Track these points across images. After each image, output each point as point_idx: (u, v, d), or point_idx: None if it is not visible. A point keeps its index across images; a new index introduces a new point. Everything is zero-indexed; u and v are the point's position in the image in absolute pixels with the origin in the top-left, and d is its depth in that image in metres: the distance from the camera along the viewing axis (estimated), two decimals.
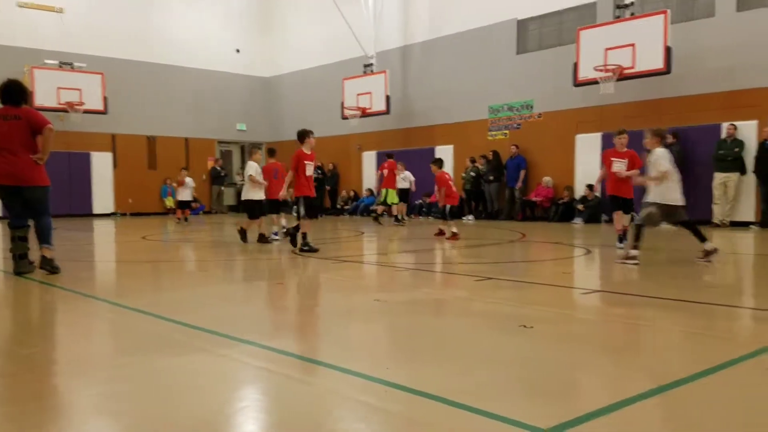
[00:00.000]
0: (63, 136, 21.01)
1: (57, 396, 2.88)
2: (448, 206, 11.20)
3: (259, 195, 10.49)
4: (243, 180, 24.65)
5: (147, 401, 2.81)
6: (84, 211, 21.24)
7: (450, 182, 11.49)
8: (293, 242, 9.35)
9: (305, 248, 8.86)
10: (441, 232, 11.49)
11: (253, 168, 10.56)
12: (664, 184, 7.42)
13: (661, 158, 7.47)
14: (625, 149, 9.18)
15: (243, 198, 10.84)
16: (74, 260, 8.72)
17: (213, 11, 24.26)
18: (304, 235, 8.97)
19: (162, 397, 2.87)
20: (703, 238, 7.50)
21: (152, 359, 3.48)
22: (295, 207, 18.22)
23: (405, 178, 16.36)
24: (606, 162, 9.32)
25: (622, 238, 8.99)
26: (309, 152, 9.10)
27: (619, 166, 9.03)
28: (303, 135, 9.23)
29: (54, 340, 4.12)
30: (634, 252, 7.43)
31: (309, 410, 2.65)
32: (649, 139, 7.75)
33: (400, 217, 15.87)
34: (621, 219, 9.14)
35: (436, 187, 11.74)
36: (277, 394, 2.93)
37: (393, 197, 15.91)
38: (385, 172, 15.95)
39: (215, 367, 3.33)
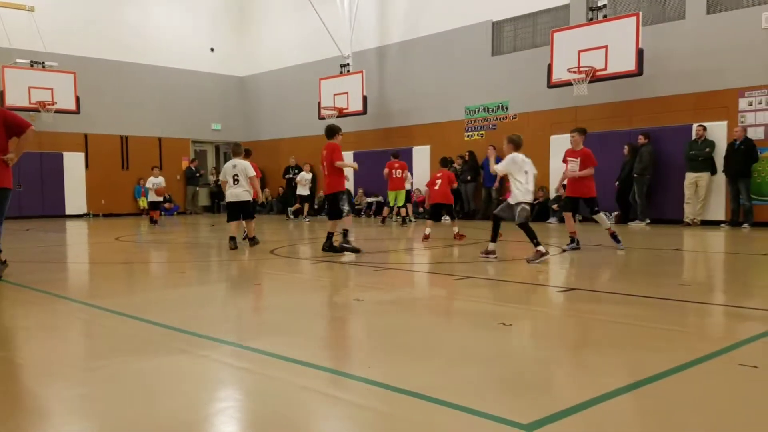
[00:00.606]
0: (35, 136, 20.65)
1: (33, 400, 2.84)
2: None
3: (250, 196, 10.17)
4: (218, 180, 24.66)
5: (125, 403, 2.78)
6: (56, 212, 20.92)
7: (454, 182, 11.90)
8: (331, 246, 8.77)
9: (346, 246, 8.73)
10: (460, 235, 11.31)
11: (250, 169, 10.11)
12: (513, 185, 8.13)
13: (503, 162, 8.12)
14: (580, 148, 9.51)
15: (240, 200, 9.79)
16: (47, 261, 8.59)
17: (187, 10, 24.05)
18: (346, 232, 8.86)
19: (141, 399, 2.84)
20: (494, 237, 8.38)
21: (130, 361, 3.45)
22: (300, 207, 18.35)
23: (407, 179, 16.64)
24: (564, 162, 9.68)
25: (573, 239, 9.41)
26: None
27: (573, 166, 9.42)
28: (335, 131, 9.41)
29: (28, 342, 4.06)
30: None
31: (289, 410, 2.65)
32: (505, 146, 8.26)
33: (408, 219, 16.30)
34: (570, 220, 9.72)
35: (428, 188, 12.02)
36: (256, 394, 2.92)
37: (403, 199, 15.99)
38: (396, 172, 15.76)
39: (194, 368, 3.31)
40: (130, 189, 22.83)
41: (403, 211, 16.13)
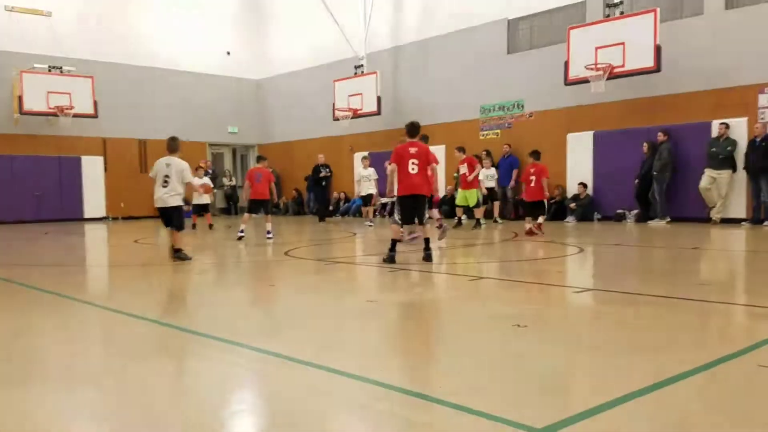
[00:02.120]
0: (53, 141, 20.93)
1: (49, 403, 2.85)
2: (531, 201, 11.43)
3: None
4: (231, 181, 24.73)
5: (141, 405, 2.79)
6: (75, 216, 21.12)
7: (547, 176, 11.46)
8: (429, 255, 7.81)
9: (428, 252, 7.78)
10: (531, 232, 11.21)
11: (188, 171, 9.86)
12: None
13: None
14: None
15: (166, 205, 8.55)
16: (65, 265, 8.66)
17: (203, 14, 24.18)
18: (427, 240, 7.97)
19: (156, 401, 2.85)
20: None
21: (144, 363, 3.46)
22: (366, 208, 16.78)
23: (492, 177, 15.68)
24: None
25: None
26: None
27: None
28: (418, 129, 8.27)
29: (44, 344, 4.09)
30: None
31: (303, 412, 2.64)
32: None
33: (496, 218, 15.46)
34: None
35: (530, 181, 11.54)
36: (270, 396, 2.91)
37: (474, 199, 13.75)
38: (462, 167, 13.66)
39: (208, 370, 3.31)
40: (148, 192, 22.91)
41: (478, 213, 13.78)
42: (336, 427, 2.54)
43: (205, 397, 2.88)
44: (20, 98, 19.49)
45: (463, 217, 14.70)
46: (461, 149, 13.70)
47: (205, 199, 14.70)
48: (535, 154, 11.67)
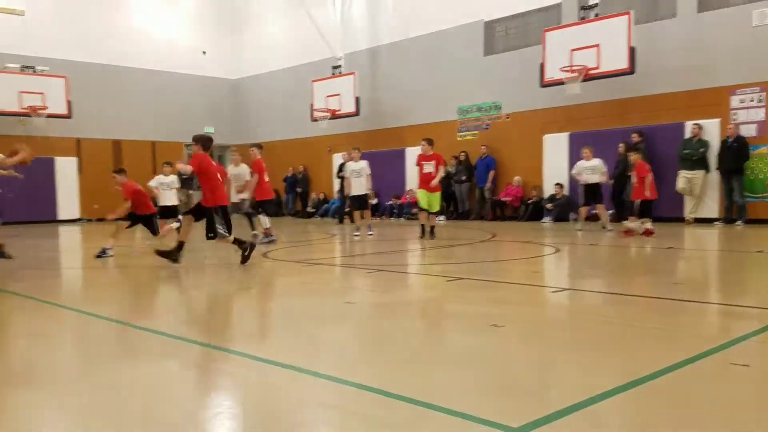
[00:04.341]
0: (26, 141, 20.55)
1: (27, 408, 2.80)
2: (638, 201, 10.86)
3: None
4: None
5: (119, 410, 2.75)
6: (48, 217, 20.78)
7: (648, 174, 10.84)
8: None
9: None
10: (629, 231, 10.87)
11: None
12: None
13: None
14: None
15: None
16: (37, 268, 8.53)
17: (178, 13, 23.96)
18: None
19: (133, 405, 2.81)
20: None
21: (122, 367, 3.42)
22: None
23: (595, 169, 12.75)
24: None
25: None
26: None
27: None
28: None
29: (19, 350, 4.02)
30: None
31: (280, 415, 2.62)
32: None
33: (604, 225, 12.59)
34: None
35: (634, 179, 11.03)
36: (247, 399, 2.89)
37: (438, 202, 11.67)
38: (431, 167, 11.33)
39: (184, 373, 3.28)
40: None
41: (435, 220, 11.69)
42: (310, 429, 2.53)
43: (183, 400, 2.85)
44: None
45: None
46: (430, 141, 11.37)
47: (171, 200, 12.80)
48: (636, 148, 11.15)
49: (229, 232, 7.73)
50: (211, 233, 7.58)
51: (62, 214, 21.14)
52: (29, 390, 3.04)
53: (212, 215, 7.60)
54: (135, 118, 22.75)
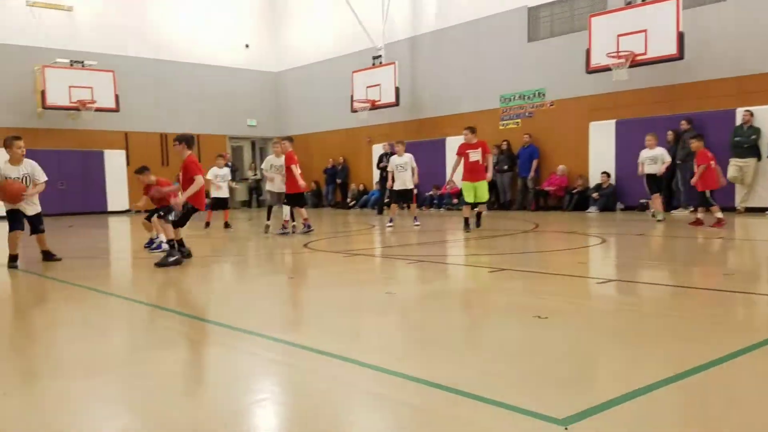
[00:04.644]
0: (76, 135, 21.17)
1: (76, 394, 2.88)
2: (708, 191, 10.36)
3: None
4: (255, 175, 24.78)
5: (165, 396, 2.82)
6: (99, 209, 21.37)
7: (712, 162, 10.41)
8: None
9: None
10: (698, 222, 10.39)
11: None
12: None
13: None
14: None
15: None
16: (89, 257, 8.77)
17: (222, 7, 24.25)
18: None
19: (180, 391, 2.87)
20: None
21: (168, 354, 3.50)
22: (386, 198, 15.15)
23: (656, 159, 11.81)
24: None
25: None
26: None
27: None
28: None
29: (69, 337, 4.14)
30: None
31: (325, 402, 2.64)
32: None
33: (654, 213, 12.16)
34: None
35: (695, 167, 10.61)
36: (293, 386, 2.92)
37: (486, 191, 11.00)
38: (477, 155, 10.70)
39: (230, 360, 3.33)
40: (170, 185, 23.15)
41: (484, 209, 11.36)
42: (356, 418, 2.54)
43: (229, 386, 2.89)
44: (43, 93, 19.73)
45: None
46: (473, 129, 10.78)
47: (224, 192, 13.26)
48: (697, 137, 10.74)
49: (176, 226, 7.45)
50: (162, 213, 7.56)
51: (111, 206, 21.71)
52: (84, 378, 3.13)
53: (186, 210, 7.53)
54: (180, 111, 23.17)
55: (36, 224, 7.64)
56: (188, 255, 7.55)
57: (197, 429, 2.37)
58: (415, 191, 12.62)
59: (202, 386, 2.91)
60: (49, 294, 5.73)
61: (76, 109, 20.24)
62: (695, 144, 10.77)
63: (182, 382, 3.02)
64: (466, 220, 10.75)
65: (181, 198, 7.44)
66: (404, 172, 11.96)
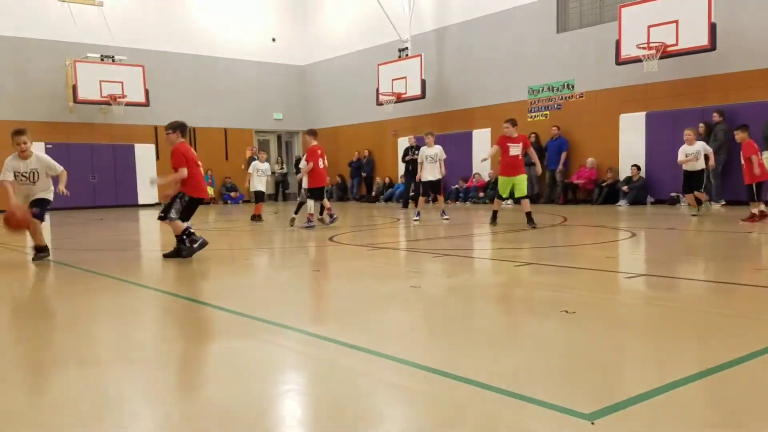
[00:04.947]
0: (107, 129, 21.52)
1: (109, 384, 2.94)
2: (754, 184, 9.95)
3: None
4: (282, 168, 24.92)
5: (196, 385, 2.86)
6: (130, 202, 21.72)
7: (756, 153, 9.94)
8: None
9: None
10: (754, 217, 9.89)
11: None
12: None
13: None
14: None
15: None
16: (120, 250, 8.92)
17: (249, 1, 24.39)
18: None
19: (210, 381, 2.91)
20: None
21: (199, 345, 3.56)
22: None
23: (696, 153, 11.42)
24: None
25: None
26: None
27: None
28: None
29: (100, 328, 4.22)
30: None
31: (351, 393, 2.66)
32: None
33: (698, 210, 11.57)
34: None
35: (741, 159, 10.18)
36: (319, 378, 2.95)
37: (525, 185, 10.47)
38: (517, 149, 10.37)
39: (259, 352, 3.37)
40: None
41: (527, 205, 10.47)
42: (381, 409, 2.55)
43: (254, 376, 2.92)
44: (74, 87, 20.07)
45: (508, 202, 13.99)
46: (514, 122, 10.49)
47: (263, 186, 13.57)
48: (742, 128, 10.24)
49: (183, 220, 7.22)
50: (163, 214, 7.17)
51: (142, 199, 22.03)
52: (120, 365, 3.19)
53: (174, 199, 7.23)
54: (208, 105, 23.40)
55: (40, 209, 7.11)
56: (203, 244, 7.24)
57: (228, 417, 2.40)
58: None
59: (231, 376, 2.95)
60: (82, 285, 5.84)
61: (107, 103, 20.56)
62: (740, 135, 10.28)
63: (213, 372, 3.06)
64: (495, 213, 10.55)
65: (158, 179, 7.38)
66: (434, 164, 12.06)
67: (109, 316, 4.56)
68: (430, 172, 12.07)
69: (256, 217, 12.95)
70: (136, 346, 3.62)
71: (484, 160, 11.46)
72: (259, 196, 13.51)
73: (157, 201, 22.30)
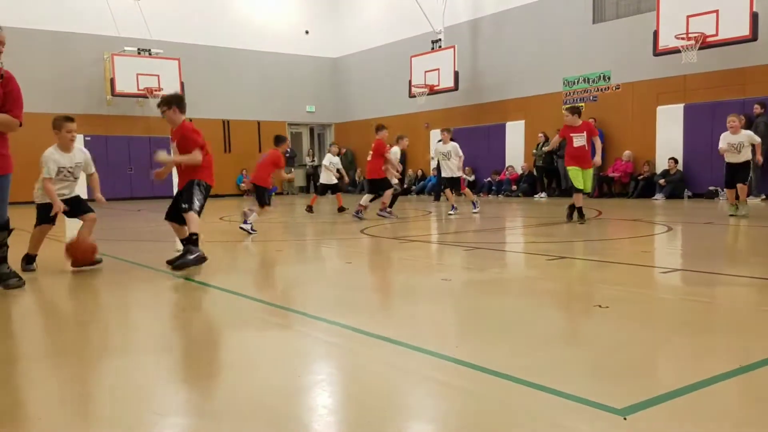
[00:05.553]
0: (144, 121, 21.89)
1: (141, 371, 3.01)
2: None
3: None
4: (313, 161, 25.03)
5: (226, 373, 2.92)
6: (166, 194, 22.01)
7: None
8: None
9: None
10: None
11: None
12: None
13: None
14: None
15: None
16: (158, 240, 9.09)
17: None
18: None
19: (240, 369, 2.96)
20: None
21: (231, 334, 3.63)
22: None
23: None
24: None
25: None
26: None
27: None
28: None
29: (136, 318, 4.32)
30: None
31: (380, 385, 2.68)
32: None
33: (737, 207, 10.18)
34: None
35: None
36: (349, 368, 2.97)
37: (591, 180, 10.28)
38: (582, 140, 9.92)
39: (289, 342, 3.41)
40: (232, 171, 23.55)
41: (580, 200, 9.81)
42: (410, 401, 2.57)
43: (288, 365, 2.97)
44: (112, 80, 20.45)
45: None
46: (574, 109, 10.04)
47: (332, 178, 13.73)
48: None
49: (199, 214, 6.44)
50: (187, 204, 6.31)
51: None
52: (159, 353, 3.27)
53: (194, 187, 6.49)
54: (242, 98, 23.61)
55: (82, 205, 6.34)
56: (202, 259, 5.96)
57: (260, 405, 2.44)
58: (469, 178, 12.71)
59: (263, 365, 2.99)
60: (123, 276, 5.97)
61: (144, 96, 20.90)
62: None
63: (244, 360, 3.12)
64: (580, 209, 9.66)
65: (165, 156, 6.66)
66: (448, 161, 12.14)
67: (141, 305, 4.66)
68: (447, 169, 12.23)
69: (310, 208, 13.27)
70: (174, 335, 3.70)
71: (544, 151, 11.45)
72: (330, 189, 13.91)
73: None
